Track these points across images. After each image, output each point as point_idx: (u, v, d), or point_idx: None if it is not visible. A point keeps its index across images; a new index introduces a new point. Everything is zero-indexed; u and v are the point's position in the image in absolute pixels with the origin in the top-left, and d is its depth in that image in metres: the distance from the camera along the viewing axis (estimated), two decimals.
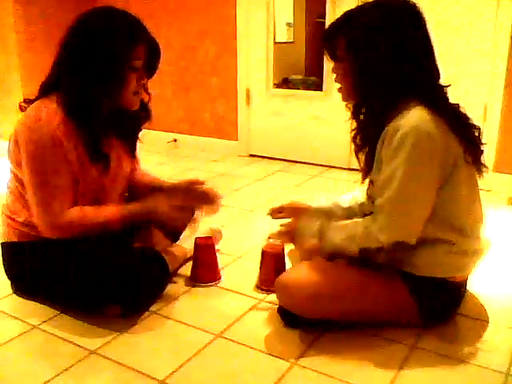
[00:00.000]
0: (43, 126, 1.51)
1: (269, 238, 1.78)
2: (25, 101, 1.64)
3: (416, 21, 1.43)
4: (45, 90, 1.61)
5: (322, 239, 1.52)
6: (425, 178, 1.39)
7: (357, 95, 1.49)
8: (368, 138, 1.50)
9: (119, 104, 1.63)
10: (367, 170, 1.55)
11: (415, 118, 1.37)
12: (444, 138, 1.38)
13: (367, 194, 1.64)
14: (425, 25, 1.44)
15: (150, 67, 1.64)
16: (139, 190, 1.89)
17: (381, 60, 1.39)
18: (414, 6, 1.43)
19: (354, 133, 1.54)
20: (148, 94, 1.74)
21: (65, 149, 1.54)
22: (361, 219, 1.51)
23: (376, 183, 1.49)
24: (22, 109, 1.63)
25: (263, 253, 1.82)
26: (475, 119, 1.49)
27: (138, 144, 1.87)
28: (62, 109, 1.54)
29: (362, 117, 1.51)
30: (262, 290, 1.81)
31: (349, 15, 1.47)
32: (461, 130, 1.43)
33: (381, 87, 1.42)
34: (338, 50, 1.48)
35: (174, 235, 1.94)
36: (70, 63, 1.56)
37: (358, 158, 1.57)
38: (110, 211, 1.65)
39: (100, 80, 1.54)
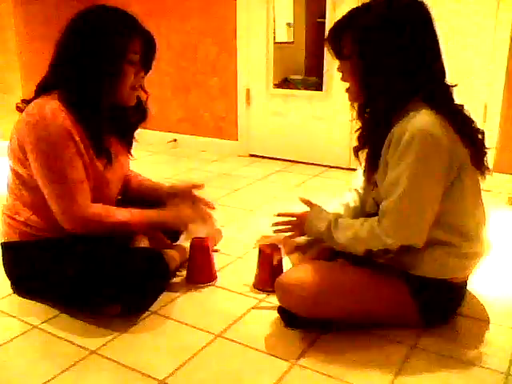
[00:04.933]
0: (50, 122, 1.51)
1: (274, 232, 1.72)
2: (22, 101, 1.63)
3: (425, 20, 1.41)
4: (42, 90, 1.61)
5: (328, 239, 1.52)
6: (430, 182, 1.38)
7: (363, 94, 1.47)
8: (372, 138, 1.49)
9: (117, 99, 1.64)
10: (371, 171, 1.54)
11: (422, 121, 1.35)
12: (450, 141, 1.37)
13: (372, 196, 1.62)
14: (433, 24, 1.42)
15: (147, 61, 1.66)
16: (136, 192, 1.91)
17: (388, 57, 1.38)
18: (422, 4, 1.42)
19: (359, 132, 1.54)
20: (145, 92, 1.75)
21: (75, 141, 1.55)
22: (367, 220, 1.47)
23: (381, 186, 1.48)
24: (19, 109, 1.62)
25: (260, 251, 1.82)
26: (475, 119, 1.49)
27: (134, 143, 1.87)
28: (64, 104, 1.55)
29: (366, 116, 1.50)
30: (257, 289, 1.80)
31: (356, 12, 1.45)
32: (466, 132, 1.42)
33: (387, 85, 1.40)
34: (344, 48, 1.46)
35: (174, 236, 1.94)
36: (67, 61, 1.57)
37: (357, 156, 1.56)
38: (136, 213, 1.67)
39: (98, 75, 1.55)
